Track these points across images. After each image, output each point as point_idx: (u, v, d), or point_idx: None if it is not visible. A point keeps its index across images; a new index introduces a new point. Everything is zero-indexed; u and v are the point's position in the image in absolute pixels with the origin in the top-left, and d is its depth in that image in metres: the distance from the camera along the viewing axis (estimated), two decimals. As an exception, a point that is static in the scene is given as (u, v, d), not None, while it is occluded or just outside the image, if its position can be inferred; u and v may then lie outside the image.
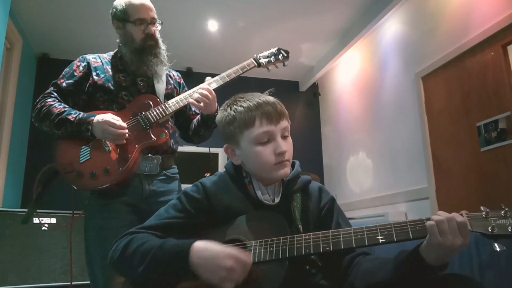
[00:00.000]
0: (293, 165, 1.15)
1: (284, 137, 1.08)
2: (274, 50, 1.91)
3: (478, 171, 2.64)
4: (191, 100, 1.69)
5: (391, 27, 3.66)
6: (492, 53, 2.58)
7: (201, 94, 1.68)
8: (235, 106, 1.08)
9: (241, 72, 1.80)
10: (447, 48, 2.94)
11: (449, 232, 0.81)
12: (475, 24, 2.70)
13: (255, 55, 1.88)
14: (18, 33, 3.58)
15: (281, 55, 1.91)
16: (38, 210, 2.66)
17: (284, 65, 1.93)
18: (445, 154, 2.94)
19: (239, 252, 0.91)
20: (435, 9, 3.11)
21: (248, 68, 1.82)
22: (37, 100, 1.67)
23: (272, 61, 1.89)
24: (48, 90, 1.69)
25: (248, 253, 0.93)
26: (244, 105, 1.07)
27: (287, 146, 1.07)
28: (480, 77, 2.67)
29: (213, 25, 3.87)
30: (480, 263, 1.41)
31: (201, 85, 1.73)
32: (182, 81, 1.95)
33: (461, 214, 0.84)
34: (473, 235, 1.48)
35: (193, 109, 1.88)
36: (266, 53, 1.90)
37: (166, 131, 1.69)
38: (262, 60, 1.87)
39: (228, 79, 1.77)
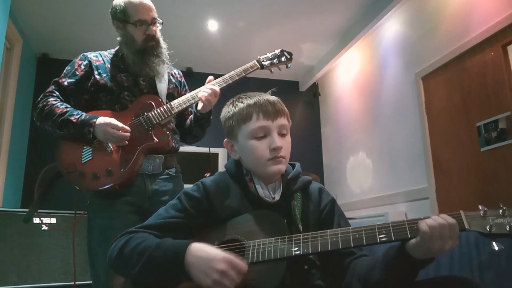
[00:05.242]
0: (294, 166, 1.16)
1: (281, 135, 1.09)
2: (277, 52, 1.90)
3: (478, 171, 2.64)
4: (199, 95, 1.68)
5: (391, 27, 3.66)
6: (492, 53, 2.58)
7: (212, 90, 1.68)
8: (236, 102, 1.13)
9: (244, 74, 1.79)
10: (447, 48, 2.94)
11: (439, 238, 0.81)
12: (475, 24, 2.70)
13: (258, 57, 1.87)
14: (18, 33, 3.58)
15: (284, 57, 1.90)
16: (38, 210, 2.68)
17: (287, 67, 1.92)
18: (445, 154, 2.93)
19: (235, 257, 0.89)
20: (435, 9, 3.11)
21: (251, 70, 1.81)
22: (39, 99, 1.65)
23: (275, 63, 1.87)
24: (50, 89, 1.67)
25: (244, 260, 0.91)
26: (245, 101, 1.11)
27: (283, 143, 1.08)
28: (480, 77, 2.67)
29: (213, 25, 3.87)
30: (480, 263, 1.40)
31: (209, 85, 1.72)
32: (183, 79, 1.94)
33: (459, 214, 0.83)
34: (473, 235, 1.47)
35: (188, 109, 1.88)
36: (269, 55, 1.88)
37: (168, 132, 1.69)
38: (265, 62, 1.86)
39: (231, 81, 1.77)
